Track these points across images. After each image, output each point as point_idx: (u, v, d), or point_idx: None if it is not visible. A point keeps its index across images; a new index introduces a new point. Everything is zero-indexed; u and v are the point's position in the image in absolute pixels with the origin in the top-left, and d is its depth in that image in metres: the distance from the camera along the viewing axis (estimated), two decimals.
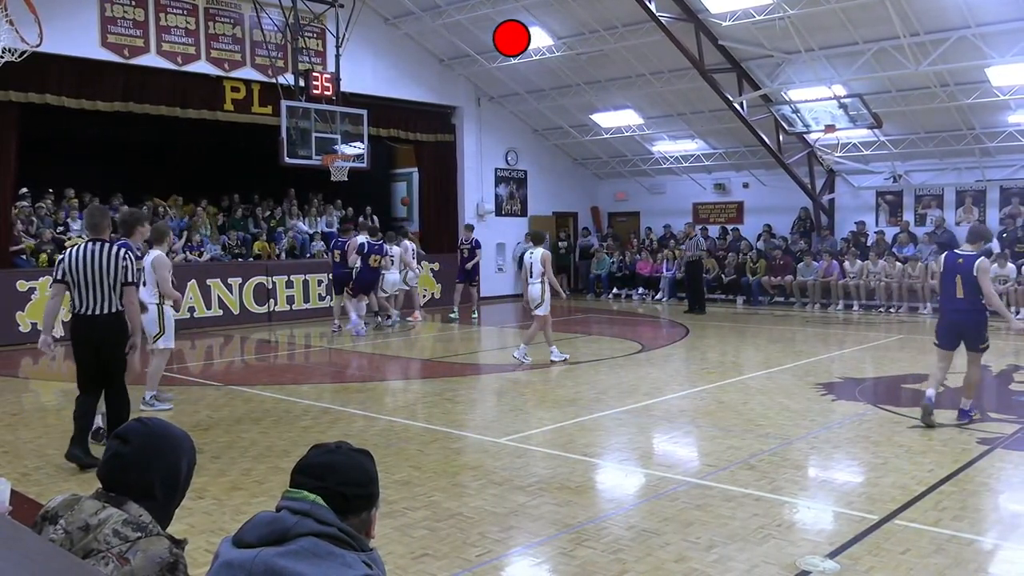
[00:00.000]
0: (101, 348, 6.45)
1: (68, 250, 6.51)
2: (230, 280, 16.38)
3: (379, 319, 15.86)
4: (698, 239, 19.08)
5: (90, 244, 6.40)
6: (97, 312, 6.37)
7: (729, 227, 22.10)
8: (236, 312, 16.37)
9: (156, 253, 8.50)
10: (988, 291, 7.41)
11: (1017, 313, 15.95)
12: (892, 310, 17.50)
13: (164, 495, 2.23)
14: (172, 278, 8.54)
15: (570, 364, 11.43)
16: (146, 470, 2.22)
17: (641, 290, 21.80)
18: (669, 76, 18.50)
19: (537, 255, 11.60)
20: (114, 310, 6.42)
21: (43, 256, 14.85)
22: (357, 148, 16.56)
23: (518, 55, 17.77)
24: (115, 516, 2.11)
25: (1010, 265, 16.33)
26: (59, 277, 6.45)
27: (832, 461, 6.60)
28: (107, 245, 6.44)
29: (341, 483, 2.01)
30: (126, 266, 6.44)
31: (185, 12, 15.81)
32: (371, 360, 12.35)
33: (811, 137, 18.97)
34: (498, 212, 22.16)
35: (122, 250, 6.51)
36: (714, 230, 22.31)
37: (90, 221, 6.81)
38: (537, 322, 11.58)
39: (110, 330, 6.44)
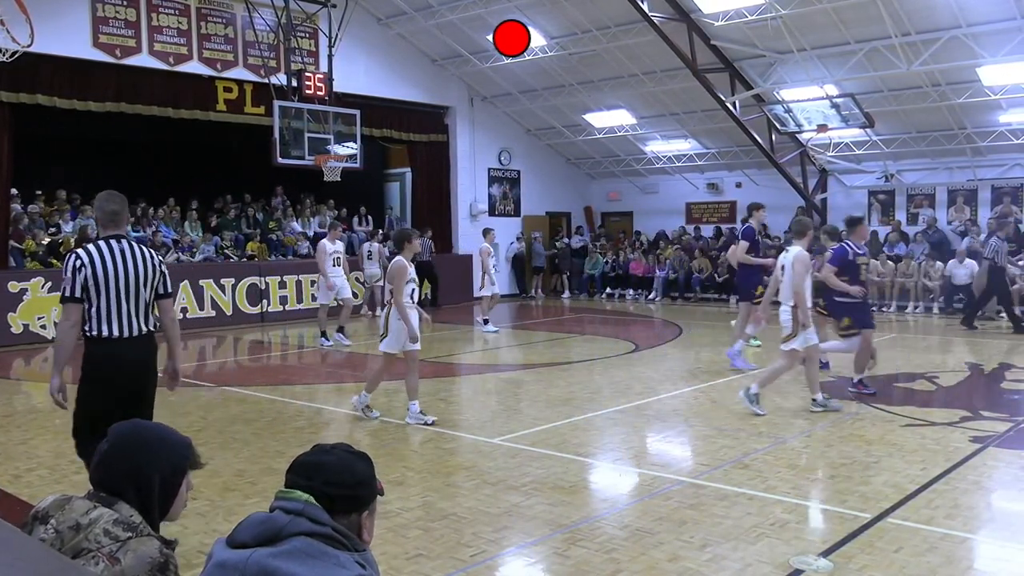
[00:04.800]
0: (138, 380, 4.87)
1: (83, 254, 4.72)
2: (223, 281, 16.34)
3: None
4: (998, 243, 14.29)
5: (115, 243, 4.77)
6: (135, 333, 4.80)
7: (723, 227, 22.13)
8: (229, 313, 16.33)
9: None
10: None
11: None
12: (884, 309, 17.55)
13: (138, 500, 2.18)
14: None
15: (563, 364, 11.43)
16: (114, 470, 2.20)
17: (632, 292, 21.80)
18: (662, 76, 18.53)
19: (790, 256, 8.17)
20: (151, 329, 4.93)
21: (34, 263, 14.77)
22: (350, 148, 16.57)
23: (518, 55, 17.77)
24: (106, 516, 2.10)
25: None
26: (77, 294, 4.68)
27: (825, 460, 6.61)
28: (134, 244, 4.87)
29: (326, 482, 2.01)
30: (165, 272, 4.97)
31: (177, 12, 15.77)
32: (365, 361, 12.33)
33: (803, 137, 19.02)
34: (491, 212, 22.17)
35: (155, 252, 5.03)
36: (707, 230, 22.35)
37: (109, 210, 4.85)
38: (783, 360, 8.22)
39: (150, 355, 4.94)
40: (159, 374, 5.02)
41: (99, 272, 4.67)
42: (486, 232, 15.93)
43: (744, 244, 10.62)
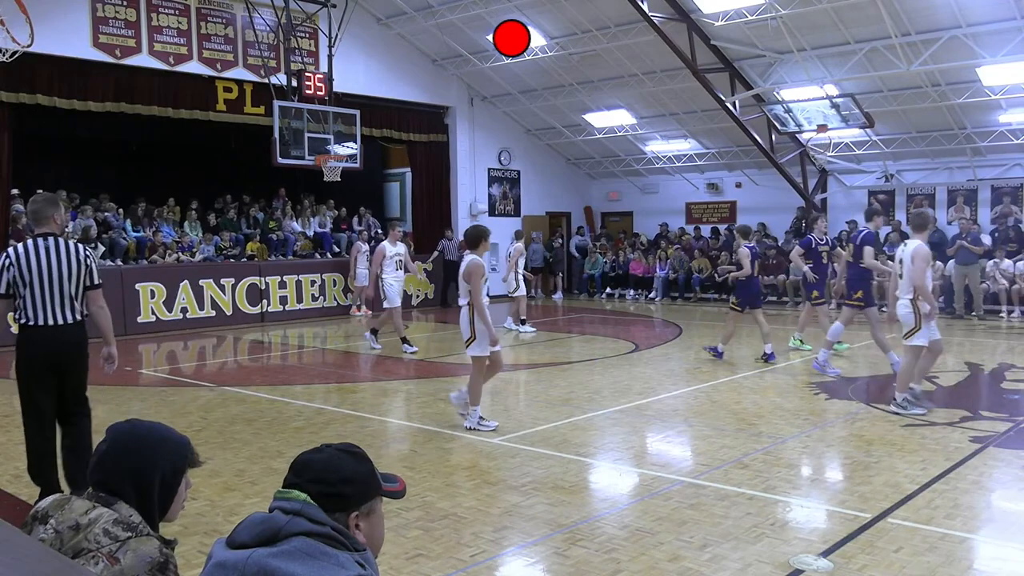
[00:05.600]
0: (66, 365, 5.48)
1: (11, 252, 5.33)
2: (223, 281, 16.34)
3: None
4: None
5: (41, 240, 5.34)
6: (60, 322, 5.37)
7: (722, 227, 22.13)
8: (229, 313, 16.33)
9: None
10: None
11: (1012, 312, 16.03)
12: (884, 309, 17.52)
13: (137, 499, 2.18)
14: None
15: (563, 364, 11.42)
16: (113, 470, 2.20)
17: (632, 292, 21.81)
18: (662, 76, 18.53)
19: (909, 249, 7.93)
20: (79, 318, 5.48)
21: None
22: (350, 148, 16.57)
23: (518, 55, 17.77)
24: (105, 516, 2.11)
25: (1007, 262, 16.44)
26: (4, 291, 5.30)
27: (825, 460, 6.61)
28: (61, 240, 5.42)
29: (311, 480, 2.00)
30: (91, 267, 5.51)
31: (177, 12, 15.77)
32: (364, 360, 12.33)
33: (803, 137, 19.02)
34: (491, 212, 22.16)
35: (84, 247, 5.59)
36: (707, 230, 22.35)
37: (31, 210, 5.53)
38: (909, 355, 8.04)
39: (76, 343, 5.49)
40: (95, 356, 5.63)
41: (24, 269, 5.27)
42: (518, 234, 15.85)
43: (870, 250, 10.22)
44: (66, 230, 15.37)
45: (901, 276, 8.04)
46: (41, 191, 15.90)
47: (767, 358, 11.11)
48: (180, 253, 16.74)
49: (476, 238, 7.61)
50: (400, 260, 12.80)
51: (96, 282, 5.54)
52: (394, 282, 12.67)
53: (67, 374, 5.48)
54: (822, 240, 11.73)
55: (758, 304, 11.62)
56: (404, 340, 12.60)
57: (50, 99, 14.60)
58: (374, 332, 13.04)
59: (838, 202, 20.66)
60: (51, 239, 5.36)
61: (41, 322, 5.32)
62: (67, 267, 5.35)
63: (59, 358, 5.42)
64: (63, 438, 5.56)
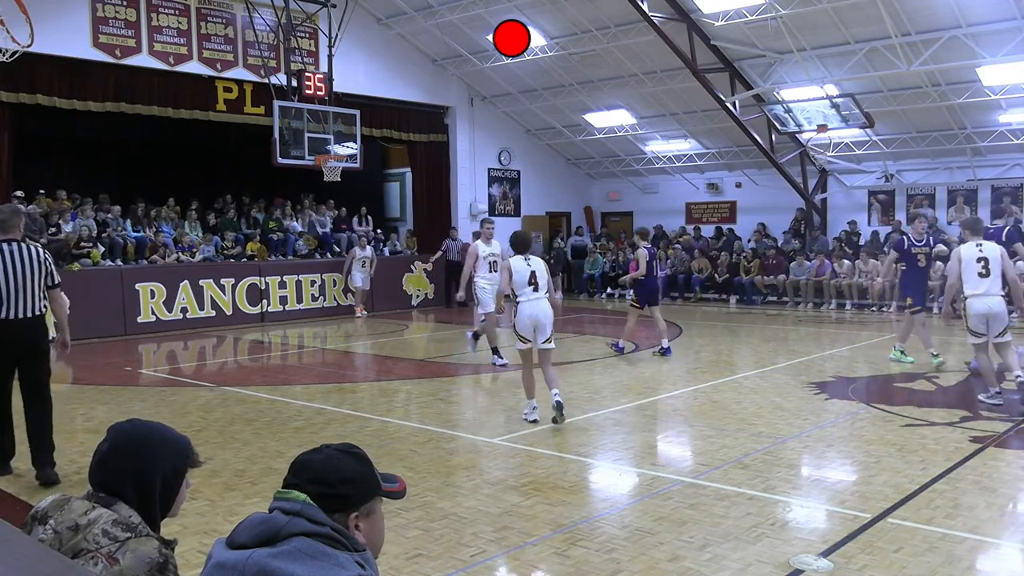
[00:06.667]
0: (29, 353, 6.18)
1: None
2: (223, 281, 16.33)
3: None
4: None
5: (5, 245, 6.00)
6: (22, 316, 6.05)
7: (723, 227, 22.13)
8: (229, 313, 16.33)
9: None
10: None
11: (1012, 313, 15.99)
12: (884, 309, 17.54)
13: (138, 499, 2.18)
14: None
15: (563, 364, 11.41)
16: (114, 470, 2.19)
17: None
18: (662, 76, 18.53)
19: (995, 250, 8.28)
20: (39, 313, 6.18)
21: None
22: (350, 148, 16.57)
23: (518, 55, 17.76)
24: (105, 516, 2.10)
25: None
26: None
27: (825, 460, 6.61)
28: (24, 245, 6.10)
29: (310, 480, 2.00)
30: (50, 268, 6.19)
31: (177, 12, 15.77)
32: (364, 361, 12.33)
33: (803, 137, 19.02)
34: (491, 212, 22.14)
35: (43, 250, 6.27)
36: (707, 230, 22.35)
37: (3, 220, 6.13)
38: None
39: (36, 334, 6.21)
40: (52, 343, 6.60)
41: None
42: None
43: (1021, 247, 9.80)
44: (66, 230, 15.41)
45: (983, 275, 8.17)
46: (43, 191, 16.03)
47: (664, 352, 11.68)
48: (180, 253, 16.73)
49: (529, 243, 8.27)
50: (495, 261, 11.49)
51: (56, 281, 6.26)
52: (487, 285, 11.43)
53: (30, 359, 6.20)
54: (920, 240, 10.54)
55: (655, 301, 12.34)
56: (495, 351, 11.39)
57: (50, 99, 14.60)
58: (495, 351, 11.43)
59: (838, 202, 20.66)
60: (15, 244, 6.05)
61: (5, 316, 5.98)
62: (30, 269, 6.05)
63: (23, 347, 6.14)
64: (27, 412, 6.28)
